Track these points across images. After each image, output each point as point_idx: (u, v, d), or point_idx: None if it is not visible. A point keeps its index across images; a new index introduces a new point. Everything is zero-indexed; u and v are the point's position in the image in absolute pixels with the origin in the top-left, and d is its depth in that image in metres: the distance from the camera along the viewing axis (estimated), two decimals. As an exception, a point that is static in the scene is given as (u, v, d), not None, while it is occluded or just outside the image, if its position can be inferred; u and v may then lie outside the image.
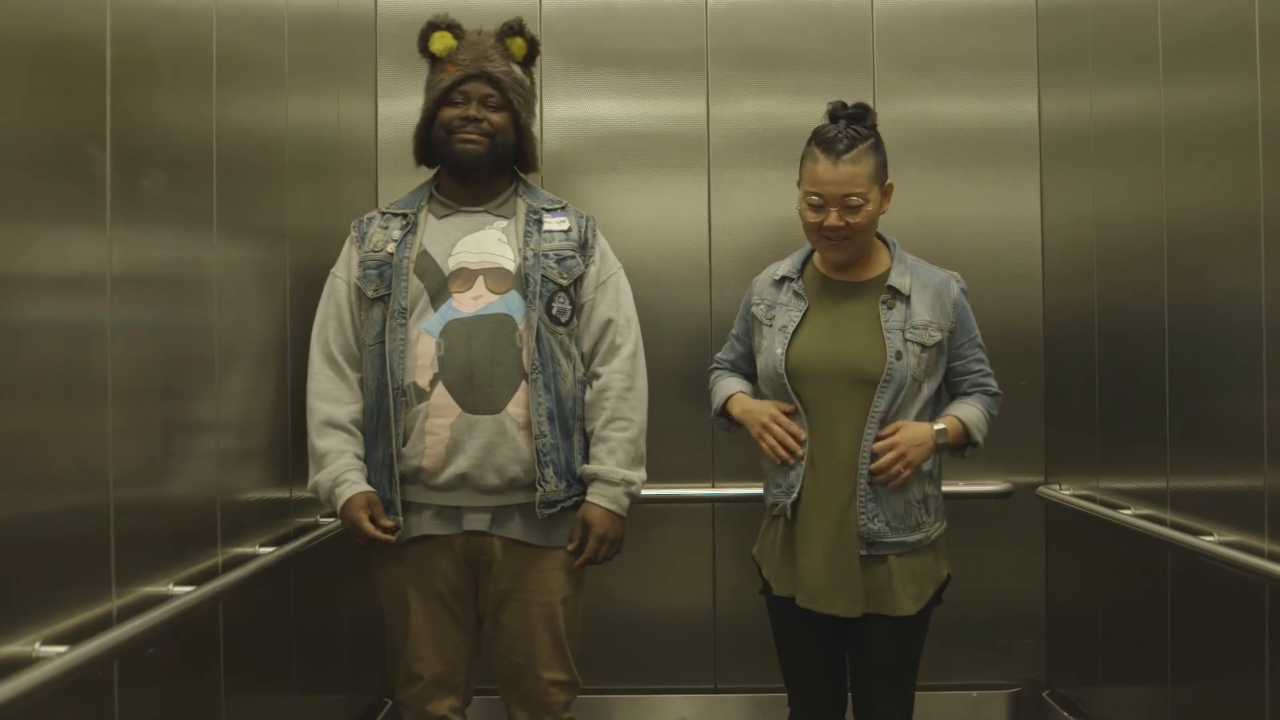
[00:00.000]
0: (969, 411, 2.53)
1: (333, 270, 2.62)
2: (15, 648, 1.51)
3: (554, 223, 2.59)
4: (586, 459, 2.56)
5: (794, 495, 2.48)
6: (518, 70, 2.60)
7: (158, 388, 2.03)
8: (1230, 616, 2.35)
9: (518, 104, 2.57)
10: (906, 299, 2.50)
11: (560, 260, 2.55)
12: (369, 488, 2.48)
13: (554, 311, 2.52)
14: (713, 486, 3.43)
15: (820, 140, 2.46)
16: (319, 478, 2.49)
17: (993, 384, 2.60)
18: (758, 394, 2.64)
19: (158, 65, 2.02)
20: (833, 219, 2.44)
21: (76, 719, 1.70)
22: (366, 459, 2.52)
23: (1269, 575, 2.08)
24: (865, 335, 2.47)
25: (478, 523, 2.48)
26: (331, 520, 2.83)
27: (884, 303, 2.49)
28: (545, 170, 2.78)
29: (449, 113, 2.54)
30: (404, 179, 3.34)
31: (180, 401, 2.14)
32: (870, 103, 2.54)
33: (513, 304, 2.49)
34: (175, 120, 2.11)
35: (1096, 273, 3.07)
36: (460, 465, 2.44)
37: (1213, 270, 2.42)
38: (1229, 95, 2.32)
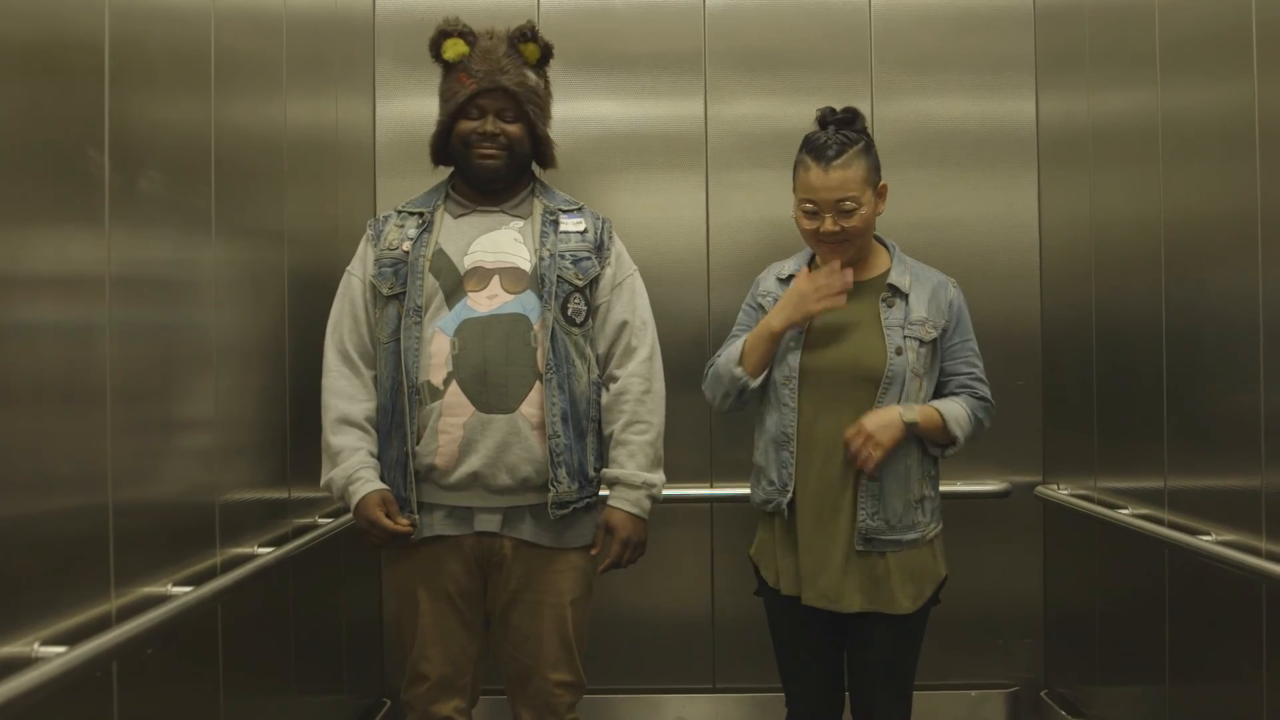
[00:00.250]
0: (950, 406, 2.50)
1: (348, 268, 2.62)
2: (14, 648, 1.51)
3: (570, 224, 2.60)
4: (599, 460, 2.56)
5: (789, 494, 2.49)
6: (532, 76, 2.58)
7: (156, 388, 2.03)
8: (1227, 615, 2.36)
9: (533, 114, 2.57)
10: (905, 297, 2.51)
11: (576, 261, 2.55)
12: (383, 485, 2.47)
13: (569, 312, 2.52)
14: (711, 486, 3.44)
15: (810, 148, 2.47)
16: (333, 475, 2.49)
17: (982, 389, 2.56)
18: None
19: (156, 67, 2.02)
20: (828, 225, 2.45)
21: (75, 719, 1.70)
22: (381, 457, 2.52)
23: (1266, 574, 2.09)
24: (866, 333, 2.48)
25: (489, 523, 2.48)
26: (330, 521, 2.84)
27: (884, 300, 2.50)
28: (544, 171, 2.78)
29: (466, 125, 2.54)
30: (402, 180, 3.37)
31: (179, 402, 2.14)
32: (868, 103, 2.56)
33: (528, 304, 2.49)
34: (173, 122, 2.11)
35: (1094, 273, 3.07)
36: (472, 464, 2.43)
37: (1210, 270, 2.42)
38: (1226, 96, 2.32)
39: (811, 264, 2.62)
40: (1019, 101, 3.47)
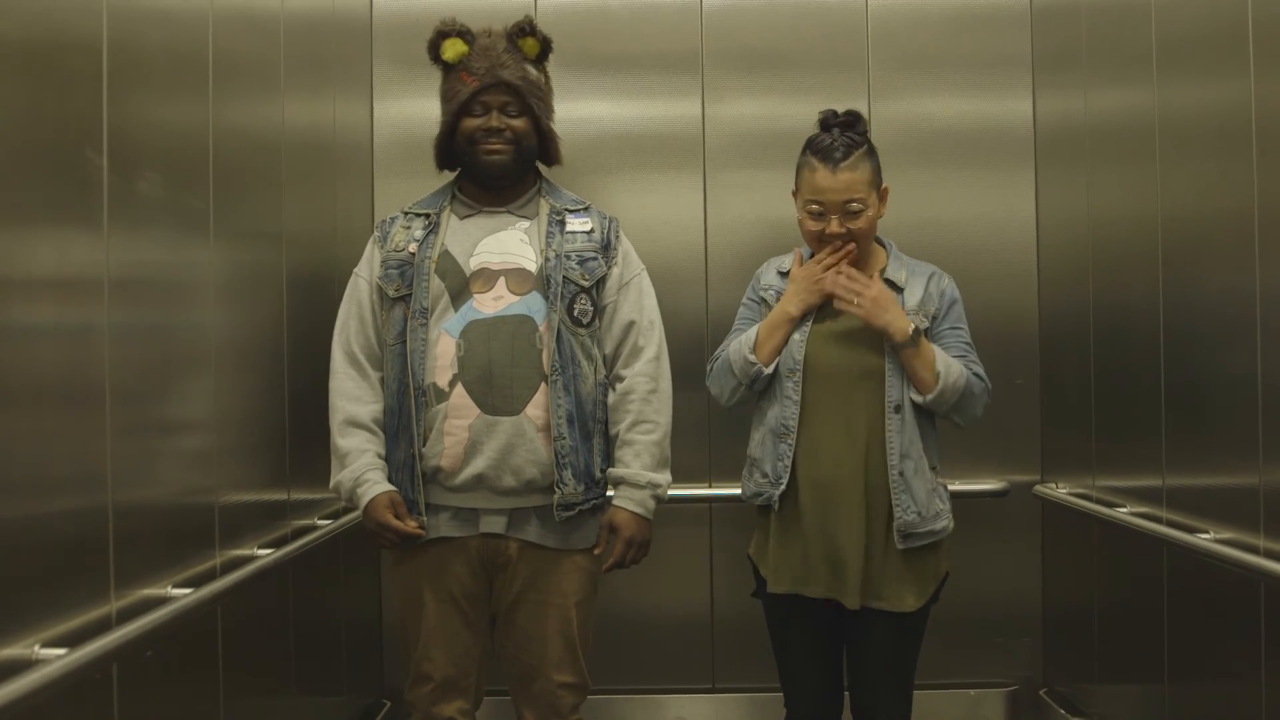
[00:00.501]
0: (947, 355, 2.49)
1: (355, 270, 2.62)
2: (14, 650, 1.51)
3: (576, 224, 2.59)
4: (606, 462, 2.56)
5: (782, 486, 2.49)
6: (533, 71, 2.58)
7: (155, 390, 2.03)
8: (1226, 614, 2.36)
9: (537, 108, 2.56)
10: (901, 290, 2.53)
11: (582, 261, 2.54)
12: (391, 487, 2.47)
13: (575, 313, 2.51)
14: (710, 486, 3.44)
15: (817, 149, 2.48)
16: (340, 477, 2.49)
17: (977, 368, 2.54)
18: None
19: (154, 68, 2.02)
20: (834, 226, 2.46)
21: (75, 721, 1.70)
22: (388, 458, 2.52)
23: (1264, 572, 2.09)
24: (866, 328, 2.49)
25: (494, 525, 2.47)
26: (329, 522, 2.84)
27: None
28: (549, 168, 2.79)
29: (470, 123, 2.53)
30: (400, 181, 3.37)
31: (177, 403, 2.14)
32: (865, 103, 2.56)
33: (533, 305, 2.48)
34: (171, 123, 2.11)
35: (1092, 272, 3.07)
36: (477, 466, 2.43)
37: (1207, 269, 2.43)
38: (1223, 94, 2.32)
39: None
40: (1016, 101, 3.47)
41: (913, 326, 2.44)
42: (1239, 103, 2.19)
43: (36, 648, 1.56)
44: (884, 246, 2.62)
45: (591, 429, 2.52)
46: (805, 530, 2.48)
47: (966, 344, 2.56)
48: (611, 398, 2.56)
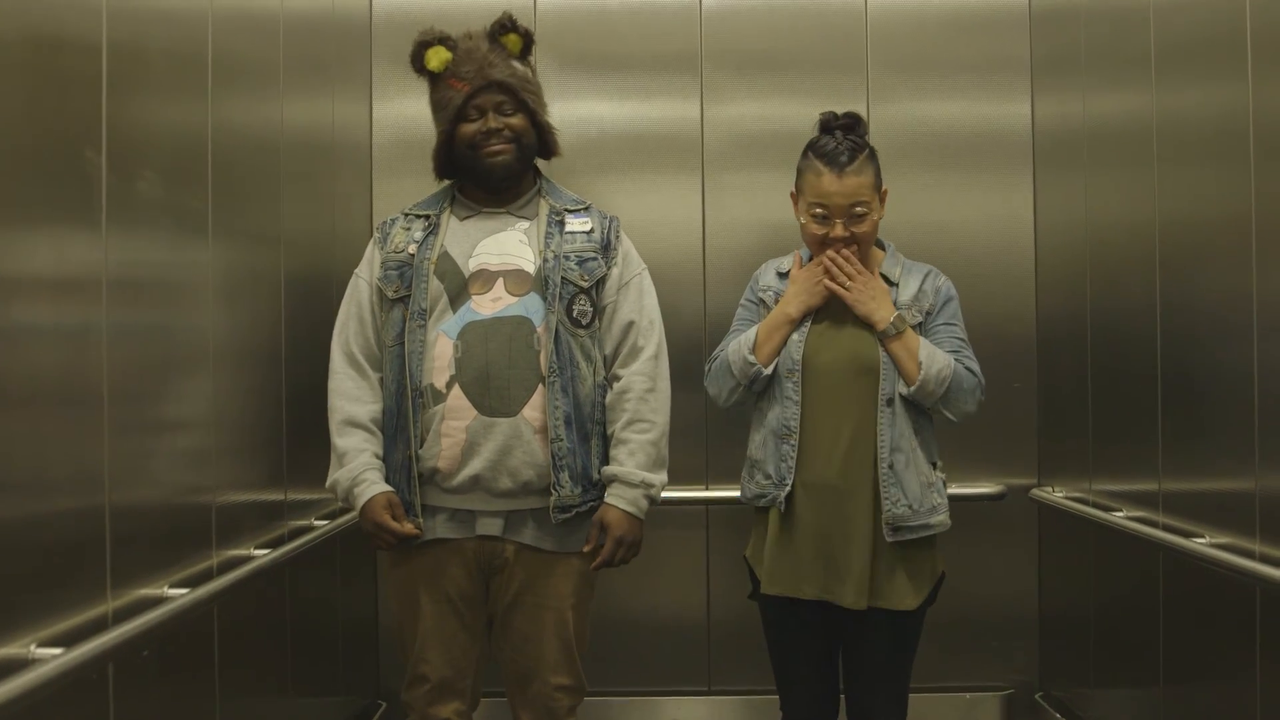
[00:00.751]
0: (932, 347, 2.49)
1: (355, 270, 2.62)
2: (10, 650, 1.51)
3: (576, 224, 2.58)
4: (604, 464, 2.55)
5: (787, 488, 2.49)
6: (520, 67, 2.58)
7: (152, 390, 2.03)
8: (1222, 618, 2.36)
9: (532, 102, 2.56)
10: (895, 286, 2.55)
11: (581, 262, 2.54)
12: (388, 487, 2.47)
13: (575, 314, 2.51)
14: (706, 489, 3.44)
15: (821, 153, 2.48)
16: (338, 476, 2.49)
17: (971, 363, 2.53)
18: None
19: (153, 68, 2.02)
20: (838, 230, 2.47)
21: (71, 721, 1.70)
22: (385, 459, 2.51)
23: (1260, 577, 2.09)
24: (861, 325, 2.50)
25: (490, 527, 2.47)
26: (326, 523, 2.84)
27: None
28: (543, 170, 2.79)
29: (468, 129, 2.53)
30: (399, 181, 3.37)
31: (175, 404, 2.14)
32: (864, 105, 2.57)
33: (531, 306, 2.48)
34: (170, 123, 2.11)
35: (1089, 275, 3.08)
36: (474, 468, 2.43)
37: (1205, 273, 2.43)
38: (1221, 99, 2.33)
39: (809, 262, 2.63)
40: (1014, 104, 3.48)
41: (895, 314, 2.45)
42: (1237, 107, 2.20)
43: (32, 647, 1.55)
44: (883, 248, 2.63)
45: (590, 431, 2.51)
46: (804, 531, 2.48)
47: (960, 339, 2.56)
48: (609, 397, 2.55)
